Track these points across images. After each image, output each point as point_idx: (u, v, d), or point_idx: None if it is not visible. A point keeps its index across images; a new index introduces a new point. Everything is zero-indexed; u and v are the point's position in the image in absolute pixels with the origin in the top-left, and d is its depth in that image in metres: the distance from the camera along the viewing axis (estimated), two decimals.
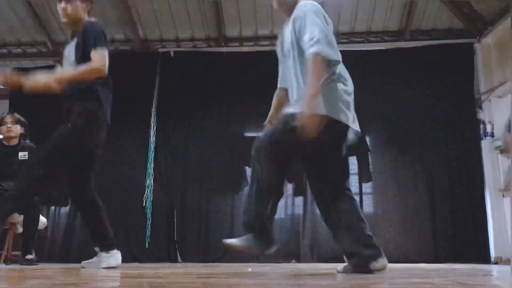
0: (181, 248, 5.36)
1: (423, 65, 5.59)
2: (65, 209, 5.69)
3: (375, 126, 5.53)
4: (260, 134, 2.35)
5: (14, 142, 3.96)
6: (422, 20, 5.75)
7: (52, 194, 5.57)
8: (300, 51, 2.18)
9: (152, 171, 5.62)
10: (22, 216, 3.79)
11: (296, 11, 2.22)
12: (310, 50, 2.07)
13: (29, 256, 3.63)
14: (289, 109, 2.17)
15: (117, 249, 2.81)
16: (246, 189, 5.51)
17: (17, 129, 3.94)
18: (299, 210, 5.36)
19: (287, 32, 2.28)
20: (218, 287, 1.29)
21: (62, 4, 2.77)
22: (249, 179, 2.26)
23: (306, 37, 2.11)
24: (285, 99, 2.37)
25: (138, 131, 5.78)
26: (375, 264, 2.02)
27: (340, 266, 2.20)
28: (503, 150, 5.09)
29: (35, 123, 4.38)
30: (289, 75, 2.30)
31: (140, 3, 5.66)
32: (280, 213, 5.14)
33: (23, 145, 3.98)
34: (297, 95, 2.20)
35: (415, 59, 5.61)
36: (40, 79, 2.58)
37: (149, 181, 5.58)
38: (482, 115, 5.43)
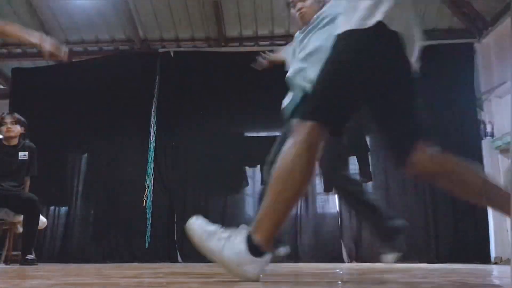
0: (181, 248, 5.36)
1: (423, 65, 5.56)
2: (65, 209, 5.69)
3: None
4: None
5: (14, 142, 3.95)
6: (422, 20, 5.74)
7: (52, 194, 5.57)
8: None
9: (152, 171, 5.62)
10: (22, 216, 3.79)
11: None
12: None
13: (29, 256, 3.62)
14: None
15: None
16: (246, 189, 5.53)
17: (17, 129, 3.93)
18: (299, 210, 5.35)
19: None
20: (218, 287, 1.29)
21: None
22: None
23: None
24: None
25: (138, 131, 5.78)
26: None
27: None
28: None
29: (35, 123, 4.38)
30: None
31: (140, 3, 5.66)
32: None
33: (23, 145, 3.97)
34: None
35: None
36: None
37: (149, 181, 5.58)
38: (482, 115, 5.43)
